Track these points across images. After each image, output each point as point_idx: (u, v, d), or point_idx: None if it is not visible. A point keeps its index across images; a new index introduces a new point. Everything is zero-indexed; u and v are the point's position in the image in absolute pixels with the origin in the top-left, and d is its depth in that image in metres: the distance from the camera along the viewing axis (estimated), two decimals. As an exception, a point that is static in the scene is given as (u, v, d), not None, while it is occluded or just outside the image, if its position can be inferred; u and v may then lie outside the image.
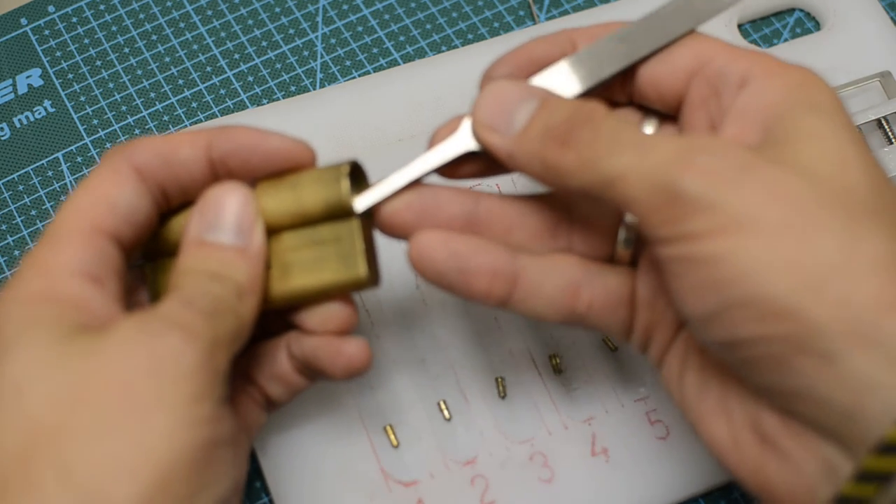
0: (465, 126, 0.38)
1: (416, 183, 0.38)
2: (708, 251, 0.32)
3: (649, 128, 0.38)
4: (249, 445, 0.40)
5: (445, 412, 0.45)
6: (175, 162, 0.37)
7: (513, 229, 0.39)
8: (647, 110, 0.39)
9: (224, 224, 0.37)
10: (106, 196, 0.36)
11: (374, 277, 0.39)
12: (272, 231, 0.38)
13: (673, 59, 0.37)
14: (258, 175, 0.38)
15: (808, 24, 0.56)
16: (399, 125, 0.51)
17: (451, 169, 0.38)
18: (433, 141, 0.39)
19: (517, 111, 0.37)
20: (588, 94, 0.38)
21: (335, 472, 0.44)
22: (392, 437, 0.44)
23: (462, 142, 0.38)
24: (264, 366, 0.40)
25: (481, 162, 0.38)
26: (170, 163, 0.37)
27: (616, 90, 0.39)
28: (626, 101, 0.39)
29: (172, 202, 0.38)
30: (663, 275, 0.35)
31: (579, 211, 0.39)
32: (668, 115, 0.39)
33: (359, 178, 0.39)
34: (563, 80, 0.38)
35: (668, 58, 0.37)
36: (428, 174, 0.38)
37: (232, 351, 0.36)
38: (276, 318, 0.40)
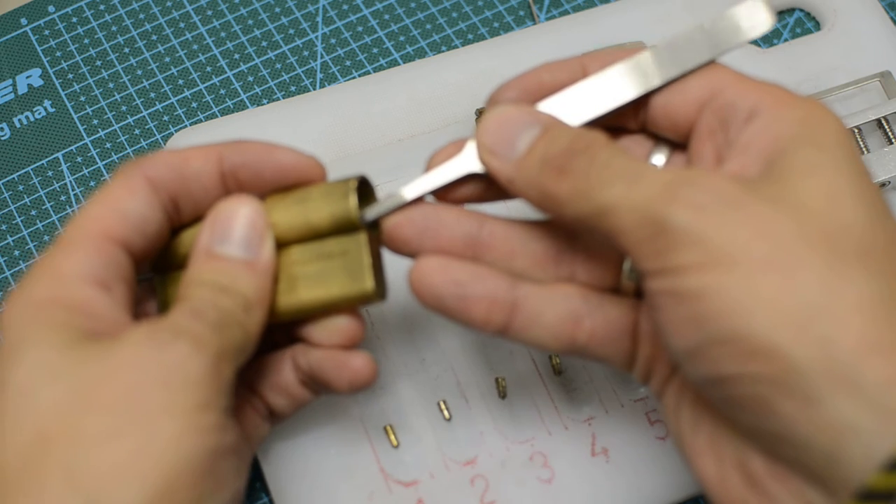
0: (470, 147, 0.38)
1: (420, 200, 0.38)
2: (691, 286, 0.32)
3: (660, 157, 0.38)
4: (251, 456, 0.40)
5: (445, 412, 0.45)
6: (187, 174, 0.38)
7: (516, 254, 0.38)
8: (658, 139, 0.39)
9: (234, 237, 0.37)
10: (118, 205, 0.37)
11: (381, 291, 0.39)
12: (280, 244, 0.38)
13: (686, 89, 0.37)
14: (268, 188, 0.39)
15: (808, 24, 0.56)
16: (399, 125, 0.51)
17: (447, 191, 0.38)
18: (431, 163, 0.39)
19: (519, 137, 0.36)
20: (598, 122, 0.38)
21: (335, 473, 0.44)
22: (392, 437, 0.44)
23: (467, 163, 0.38)
24: (269, 377, 0.40)
25: (483, 185, 0.38)
26: (182, 175, 0.38)
27: (628, 117, 0.39)
28: (637, 129, 0.39)
29: (185, 216, 0.39)
30: (651, 309, 0.34)
31: (585, 239, 0.39)
32: (680, 143, 0.38)
33: (367, 192, 0.39)
34: (572, 106, 0.38)
35: (682, 88, 0.37)
36: (432, 191, 0.38)
37: (238, 363, 0.36)
38: (281, 330, 0.40)
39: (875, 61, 0.53)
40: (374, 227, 0.38)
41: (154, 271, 0.40)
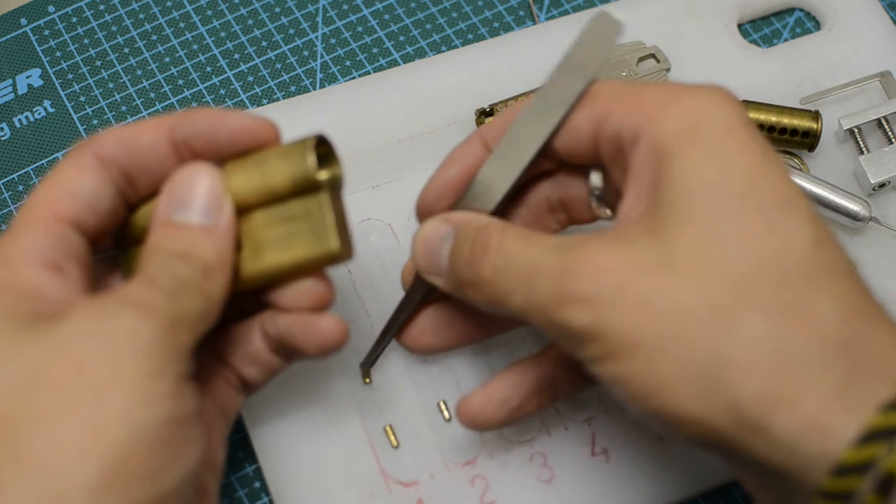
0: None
1: (405, 324, 0.43)
2: (606, 375, 0.34)
3: (596, 177, 0.39)
4: (227, 428, 0.40)
5: (445, 412, 0.45)
6: (138, 147, 0.38)
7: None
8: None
9: (191, 204, 0.37)
10: (66, 185, 0.37)
11: (346, 250, 0.38)
12: (242, 210, 0.38)
13: (574, 128, 0.38)
14: (224, 155, 0.38)
15: (808, 24, 0.56)
16: (399, 125, 0.51)
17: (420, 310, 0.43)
18: (403, 280, 0.43)
19: (440, 250, 0.39)
20: (518, 185, 0.39)
21: (335, 473, 0.44)
22: (392, 437, 0.44)
23: (422, 285, 0.41)
24: (238, 347, 0.40)
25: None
26: (132, 149, 0.38)
27: (544, 163, 0.40)
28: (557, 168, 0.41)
29: (141, 190, 0.39)
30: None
31: (567, 194, 0.41)
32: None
33: (326, 151, 0.38)
34: (488, 187, 0.39)
35: (570, 127, 0.38)
36: (402, 320, 0.43)
37: (199, 330, 0.35)
38: (249, 298, 0.40)
39: (875, 61, 0.53)
40: (334, 185, 0.38)
41: (117, 247, 0.40)
